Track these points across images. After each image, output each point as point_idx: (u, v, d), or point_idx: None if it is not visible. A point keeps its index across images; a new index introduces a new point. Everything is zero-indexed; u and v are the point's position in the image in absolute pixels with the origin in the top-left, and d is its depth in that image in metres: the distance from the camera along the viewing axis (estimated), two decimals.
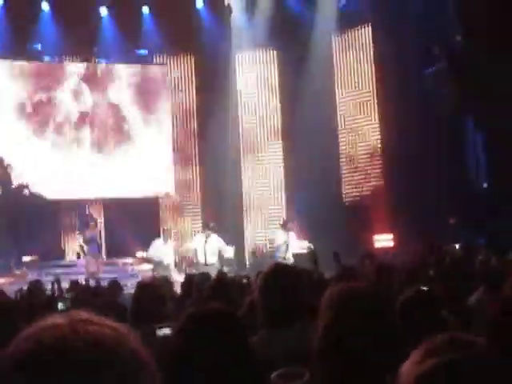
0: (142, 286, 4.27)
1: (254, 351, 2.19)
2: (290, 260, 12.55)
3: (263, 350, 2.66)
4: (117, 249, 15.54)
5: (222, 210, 15.61)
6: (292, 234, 13.34)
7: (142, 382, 0.88)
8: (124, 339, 0.90)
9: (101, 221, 16.22)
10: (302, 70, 15.70)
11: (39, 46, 16.09)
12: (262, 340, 2.81)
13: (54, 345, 0.86)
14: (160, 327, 3.77)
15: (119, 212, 15.46)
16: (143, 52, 16.85)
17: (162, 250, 13.22)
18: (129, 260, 15.46)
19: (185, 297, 6.00)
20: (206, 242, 12.95)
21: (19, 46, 15.60)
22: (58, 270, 13.54)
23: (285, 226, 13.61)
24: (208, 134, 16.30)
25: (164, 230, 15.15)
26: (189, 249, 14.16)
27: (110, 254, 15.80)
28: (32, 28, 15.81)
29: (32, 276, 12.47)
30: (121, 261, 15.43)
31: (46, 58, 16.34)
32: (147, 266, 13.99)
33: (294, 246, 13.21)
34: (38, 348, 0.86)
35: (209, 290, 4.66)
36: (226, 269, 12.40)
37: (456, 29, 13.98)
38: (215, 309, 2.10)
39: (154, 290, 4.30)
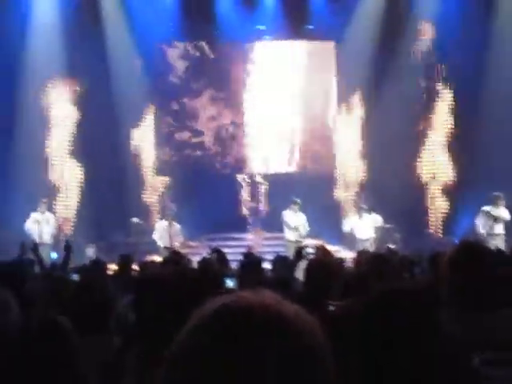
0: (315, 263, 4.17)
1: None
2: None
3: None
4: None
5: None
6: None
7: (320, 359, 0.93)
8: (303, 316, 0.96)
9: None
10: None
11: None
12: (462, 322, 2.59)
13: (245, 313, 0.93)
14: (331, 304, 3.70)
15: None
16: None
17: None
18: None
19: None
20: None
21: None
22: (231, 243, 13.95)
23: None
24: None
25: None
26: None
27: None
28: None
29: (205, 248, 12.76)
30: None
31: None
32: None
33: None
34: (227, 311, 0.94)
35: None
36: None
37: None
38: (408, 286, 1.94)
39: (324, 266, 4.20)
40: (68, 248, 6.86)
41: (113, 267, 7.68)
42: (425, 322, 1.81)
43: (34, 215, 12.96)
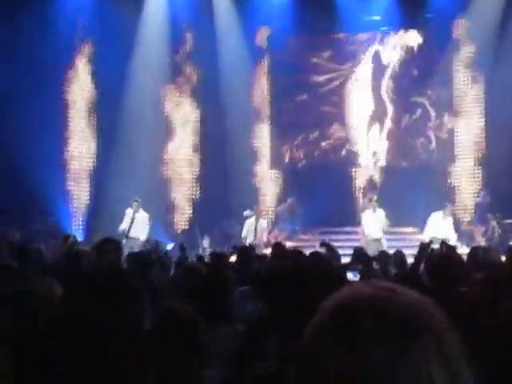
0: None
1: None
2: None
3: None
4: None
5: None
6: None
7: (451, 345, 0.91)
8: (429, 306, 0.94)
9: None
10: None
11: None
12: None
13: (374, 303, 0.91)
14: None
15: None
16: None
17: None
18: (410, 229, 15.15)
19: None
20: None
21: None
22: (341, 237, 13.87)
23: None
24: None
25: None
26: None
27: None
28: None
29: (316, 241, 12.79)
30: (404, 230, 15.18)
31: None
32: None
33: None
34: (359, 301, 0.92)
35: None
36: None
37: None
38: None
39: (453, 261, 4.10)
40: (183, 249, 7.30)
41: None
42: None
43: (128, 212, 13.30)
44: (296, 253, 6.39)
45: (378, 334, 0.88)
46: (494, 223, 13.95)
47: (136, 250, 9.77)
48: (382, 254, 7.27)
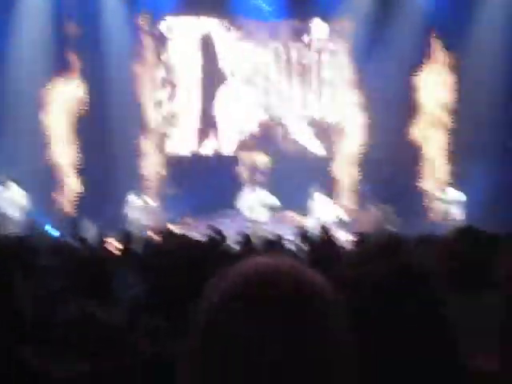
0: None
1: None
2: None
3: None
4: None
5: None
6: None
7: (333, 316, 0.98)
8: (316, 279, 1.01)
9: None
10: None
11: None
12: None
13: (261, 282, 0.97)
14: None
15: None
16: None
17: None
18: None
19: None
20: None
21: None
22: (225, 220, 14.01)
23: None
24: None
25: None
26: None
27: None
28: None
29: (200, 226, 12.85)
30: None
31: None
32: None
33: None
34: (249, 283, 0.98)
35: None
36: None
37: None
38: None
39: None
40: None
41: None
42: None
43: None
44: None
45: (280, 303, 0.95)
46: (376, 210, 14.54)
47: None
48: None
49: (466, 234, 3.09)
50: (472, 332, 2.26)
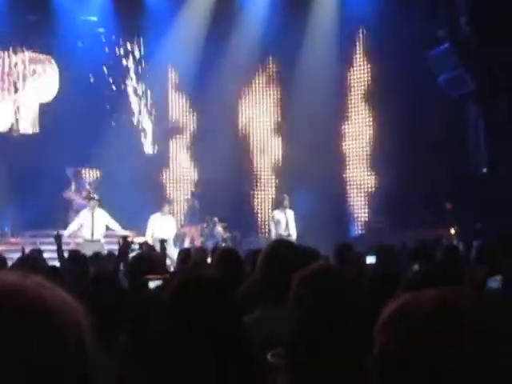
0: None
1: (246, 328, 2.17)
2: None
3: (259, 327, 2.63)
4: None
5: None
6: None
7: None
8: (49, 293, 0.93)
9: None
10: None
11: None
12: (258, 318, 2.79)
13: None
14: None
15: None
16: None
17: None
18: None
19: None
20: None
21: None
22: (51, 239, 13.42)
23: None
24: None
25: None
26: None
27: None
28: None
29: (27, 244, 12.30)
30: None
31: None
32: None
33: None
34: None
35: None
36: None
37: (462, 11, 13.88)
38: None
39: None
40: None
41: None
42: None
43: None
44: None
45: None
46: (218, 228, 14.76)
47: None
48: None
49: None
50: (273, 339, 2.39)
